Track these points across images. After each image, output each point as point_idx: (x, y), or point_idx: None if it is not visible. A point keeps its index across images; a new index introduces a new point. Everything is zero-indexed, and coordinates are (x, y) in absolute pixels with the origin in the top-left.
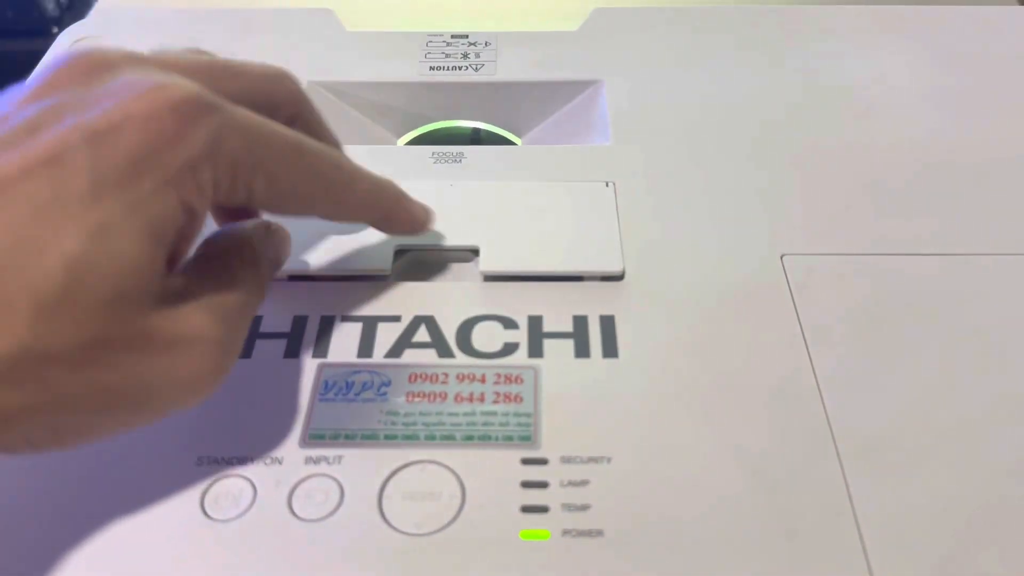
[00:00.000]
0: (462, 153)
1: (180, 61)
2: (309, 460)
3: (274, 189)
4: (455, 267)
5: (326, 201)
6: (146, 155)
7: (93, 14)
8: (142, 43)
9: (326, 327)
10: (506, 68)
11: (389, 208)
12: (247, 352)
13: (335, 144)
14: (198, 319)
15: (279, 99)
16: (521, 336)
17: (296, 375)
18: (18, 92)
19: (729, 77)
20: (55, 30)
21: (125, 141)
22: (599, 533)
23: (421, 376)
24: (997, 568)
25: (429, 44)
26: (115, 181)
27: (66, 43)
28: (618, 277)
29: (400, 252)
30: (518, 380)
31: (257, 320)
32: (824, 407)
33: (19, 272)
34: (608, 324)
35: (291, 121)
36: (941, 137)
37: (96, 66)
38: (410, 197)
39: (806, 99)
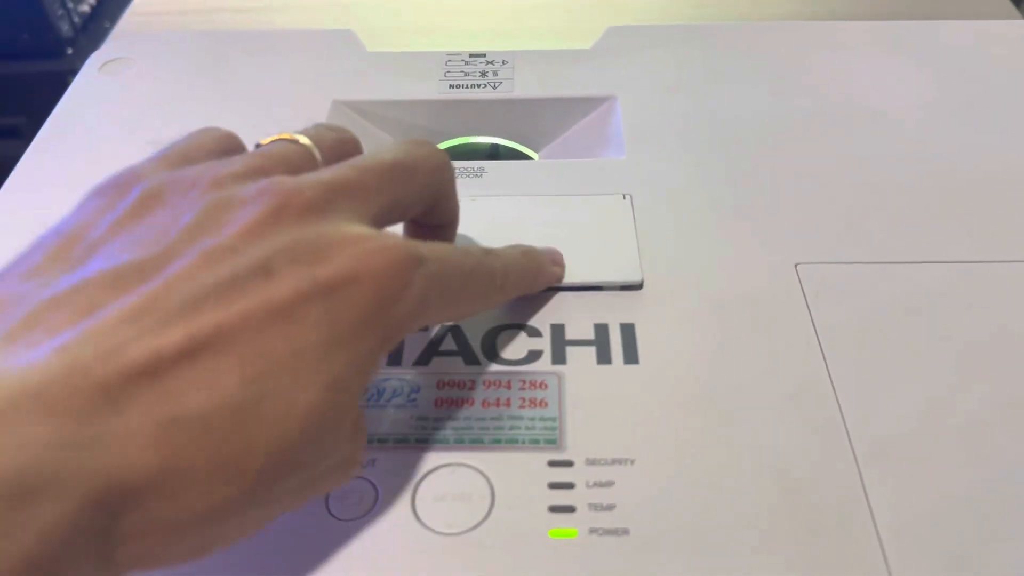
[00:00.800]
0: (482, 168)
1: (361, 183)
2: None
3: (449, 316)
4: None
5: (485, 307)
6: (373, 313)
7: (116, 38)
8: (168, 67)
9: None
10: (523, 85)
11: (532, 285)
12: None
13: (457, 208)
14: (363, 430)
15: (441, 190)
16: (544, 344)
17: None
18: (236, 220)
19: (740, 92)
20: (69, 51)
21: (356, 299)
22: (625, 532)
23: (449, 383)
24: (1011, 563)
25: (448, 63)
26: (347, 339)
27: (95, 66)
28: (637, 287)
29: None
30: (542, 386)
31: None
32: (840, 410)
33: (261, 425)
34: (628, 332)
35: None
36: (948, 148)
37: (308, 210)
38: (540, 254)
39: (816, 112)
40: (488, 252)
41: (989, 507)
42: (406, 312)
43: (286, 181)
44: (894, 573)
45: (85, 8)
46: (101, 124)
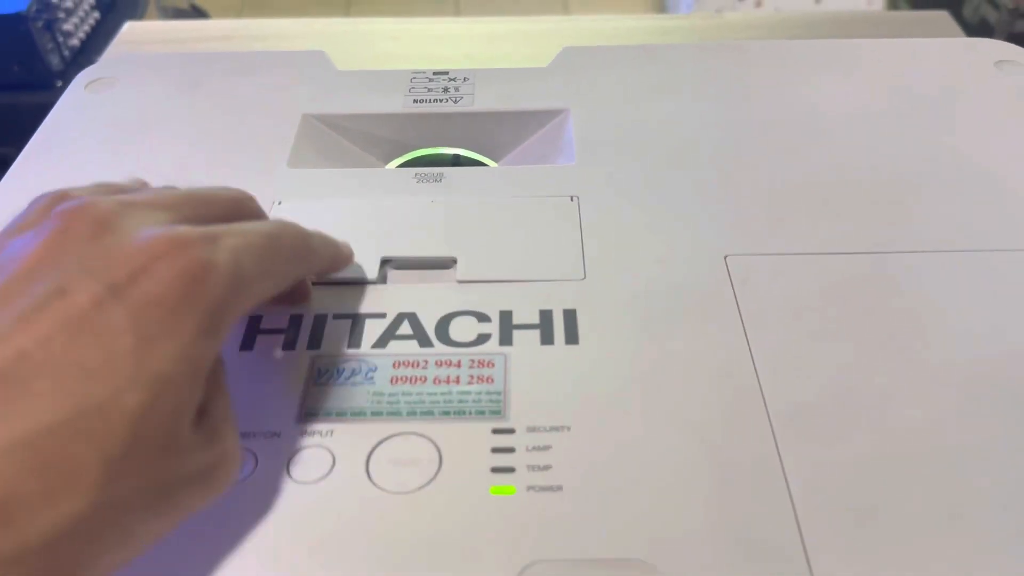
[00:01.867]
0: (442, 174)
1: (160, 200)
2: (304, 434)
3: (277, 282)
4: (435, 274)
5: (307, 269)
6: (180, 301)
7: (104, 60)
8: (150, 86)
9: (319, 324)
10: (482, 100)
11: (335, 255)
12: (249, 345)
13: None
14: (227, 435)
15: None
16: (493, 328)
17: (292, 365)
18: (22, 251)
19: (683, 105)
20: (59, 83)
21: (155, 292)
22: (559, 488)
23: (404, 363)
24: (910, 516)
25: (413, 80)
26: (158, 333)
27: (82, 84)
28: (580, 279)
29: (385, 262)
30: (490, 364)
31: (257, 318)
32: (759, 383)
33: (87, 436)
34: (571, 316)
35: None
36: (867, 153)
37: (97, 224)
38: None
39: (749, 122)
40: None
41: (890, 465)
42: (220, 290)
43: (78, 203)
44: (801, 519)
45: (75, 42)
46: (84, 138)
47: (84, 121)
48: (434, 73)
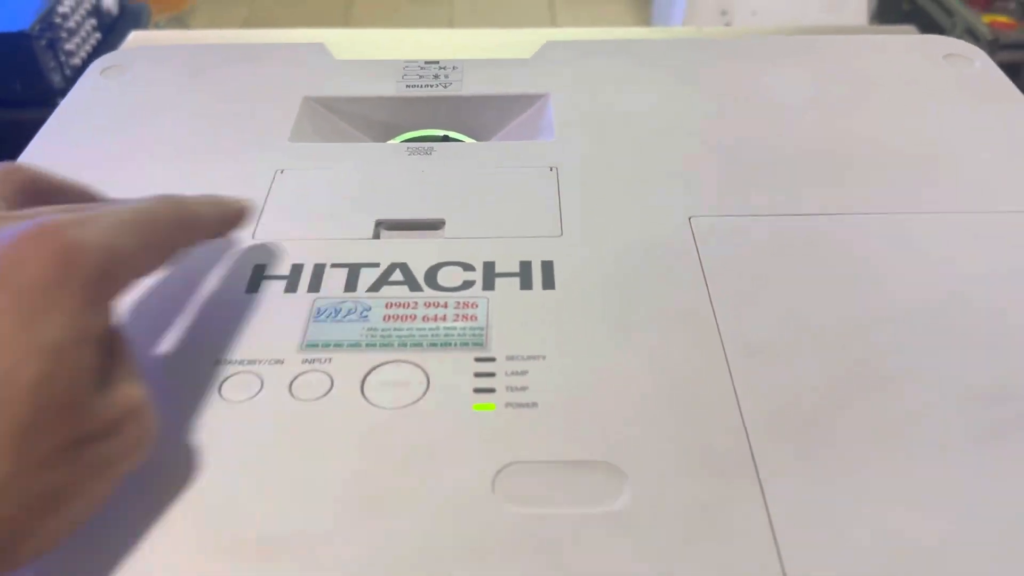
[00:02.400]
0: (432, 148)
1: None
2: (305, 361)
3: (162, 250)
4: (425, 234)
5: (192, 236)
6: (55, 276)
7: (118, 51)
8: (160, 73)
9: (318, 272)
10: (470, 86)
11: (224, 215)
12: (255, 288)
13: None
14: (131, 389)
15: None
16: (477, 276)
17: (294, 305)
18: None
19: (655, 89)
20: (59, 100)
21: (35, 277)
22: (534, 405)
23: (396, 304)
24: (851, 426)
25: (406, 68)
26: (41, 309)
27: (97, 70)
28: (557, 236)
29: (379, 224)
30: (474, 306)
31: (262, 266)
32: (716, 321)
33: None
34: (548, 266)
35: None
36: (821, 133)
37: None
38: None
39: (716, 107)
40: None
41: (832, 387)
42: (93, 265)
43: None
44: (749, 429)
45: (76, 61)
46: (99, 118)
47: (99, 102)
48: (426, 62)
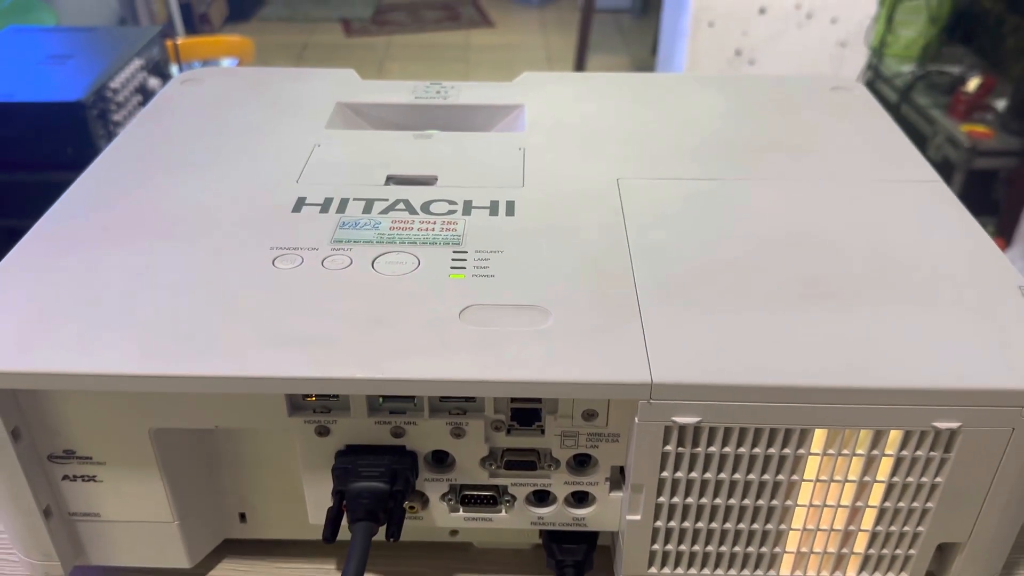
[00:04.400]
0: (432, 134)
1: None
2: (333, 249)
3: None
4: (422, 186)
5: None
6: None
7: (191, 71)
8: (227, 85)
9: (343, 203)
10: (464, 99)
11: None
12: (298, 209)
13: None
14: None
15: None
16: (458, 207)
17: (326, 220)
18: None
19: (606, 106)
20: None
21: None
22: (492, 276)
23: (399, 221)
24: (713, 292)
25: (415, 87)
26: None
27: (179, 80)
28: (520, 187)
29: (389, 178)
30: (455, 224)
31: (303, 197)
32: (627, 237)
33: None
34: (511, 204)
35: None
36: (724, 132)
37: None
38: None
39: (648, 118)
40: None
41: (708, 274)
42: None
43: None
44: (638, 289)
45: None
46: (180, 114)
47: (181, 101)
48: (430, 84)
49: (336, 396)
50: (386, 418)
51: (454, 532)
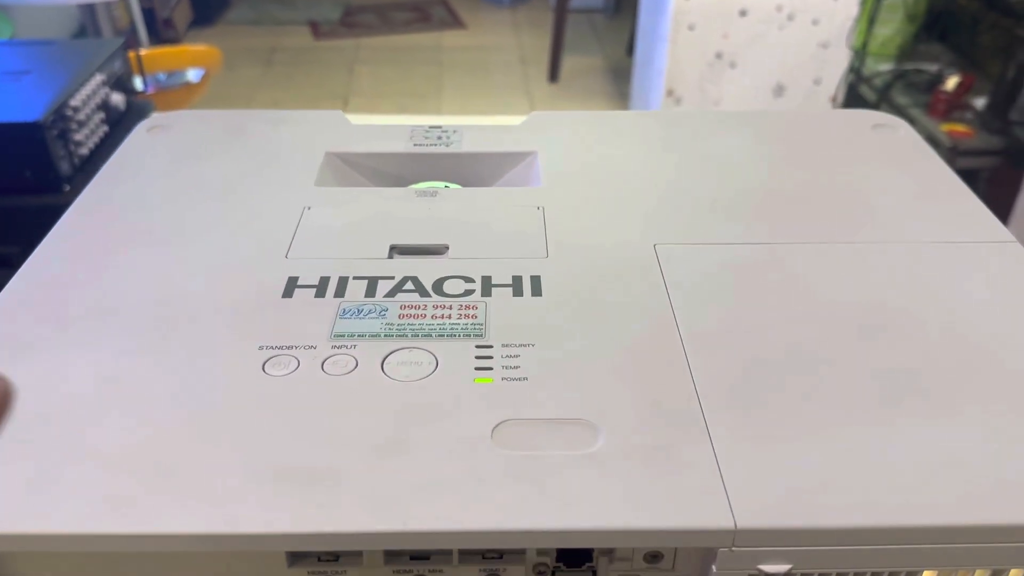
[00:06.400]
0: (437, 191)
1: None
2: (334, 347)
3: None
4: (432, 257)
5: None
6: None
7: (159, 115)
8: (199, 132)
9: (343, 283)
10: (468, 145)
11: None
12: (289, 294)
13: None
14: None
15: None
16: (476, 287)
17: (324, 307)
18: None
19: (623, 150)
20: (67, 188)
21: None
22: (525, 379)
23: (409, 306)
24: (783, 395)
25: (413, 131)
26: None
27: (144, 128)
28: (543, 257)
29: (392, 248)
30: (474, 308)
31: (295, 278)
32: (675, 318)
33: None
34: (536, 280)
35: None
36: (760, 181)
37: None
38: None
39: (673, 162)
40: None
41: (768, 367)
42: None
43: None
44: (701, 397)
45: (84, 151)
46: (150, 166)
47: (148, 154)
48: (430, 127)
49: None
50: (406, 566)
51: None
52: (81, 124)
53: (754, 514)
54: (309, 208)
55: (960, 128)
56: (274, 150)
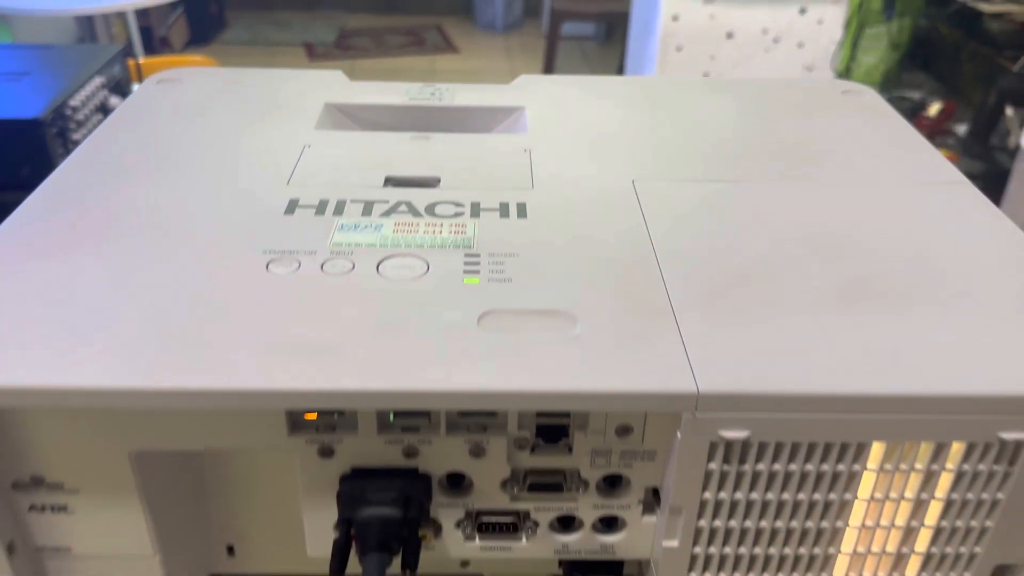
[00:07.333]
0: (430, 135)
1: None
2: (333, 252)
3: None
4: (424, 188)
5: None
6: None
7: (168, 71)
8: (205, 86)
9: (341, 204)
10: (461, 100)
11: None
12: (291, 211)
13: None
14: None
15: None
16: (466, 210)
17: (323, 223)
18: None
19: (608, 108)
20: None
21: None
22: (509, 280)
23: (402, 223)
24: (747, 294)
25: (408, 89)
26: None
27: (154, 80)
28: (529, 188)
29: (387, 180)
30: (463, 226)
31: (295, 199)
32: (648, 232)
33: None
34: (522, 206)
35: None
36: (751, 134)
37: None
38: None
39: (655, 119)
40: None
41: (733, 270)
42: None
43: None
44: (670, 292)
45: None
46: (157, 115)
47: (156, 101)
48: (424, 86)
49: (342, 412)
50: (398, 436)
51: (465, 563)
52: (80, 124)
53: (715, 380)
54: (309, 146)
55: (943, 153)
56: (277, 101)
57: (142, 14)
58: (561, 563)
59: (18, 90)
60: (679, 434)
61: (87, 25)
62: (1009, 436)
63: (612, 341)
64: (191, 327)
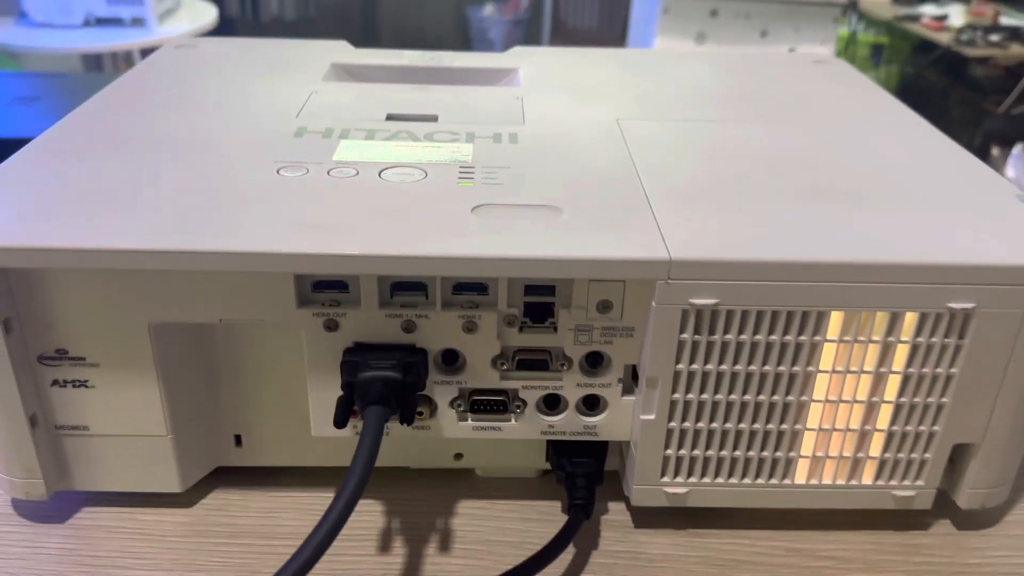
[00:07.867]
0: (429, 88)
1: None
2: (338, 162)
3: None
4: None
5: None
6: None
7: (191, 39)
8: (221, 51)
9: (345, 131)
10: (460, 64)
11: None
12: (300, 135)
13: None
14: None
15: None
16: (461, 138)
17: (328, 143)
18: None
19: (599, 71)
20: None
21: None
22: (501, 184)
23: (402, 144)
24: (716, 193)
25: (410, 56)
26: None
27: (172, 45)
28: (521, 123)
29: (389, 117)
30: (460, 148)
31: (303, 127)
32: (633, 161)
33: None
34: (514, 135)
35: None
36: (729, 89)
37: None
38: None
39: (642, 80)
40: None
41: (708, 177)
42: None
43: None
44: (648, 195)
45: None
46: (175, 66)
47: (173, 61)
48: (423, 52)
49: (346, 287)
50: (397, 311)
51: (458, 456)
52: None
53: (686, 249)
54: (317, 92)
55: None
56: (287, 61)
57: (148, 52)
58: (548, 453)
59: (29, 114)
60: (654, 303)
61: (94, 64)
62: (957, 305)
63: (595, 225)
64: (209, 208)
